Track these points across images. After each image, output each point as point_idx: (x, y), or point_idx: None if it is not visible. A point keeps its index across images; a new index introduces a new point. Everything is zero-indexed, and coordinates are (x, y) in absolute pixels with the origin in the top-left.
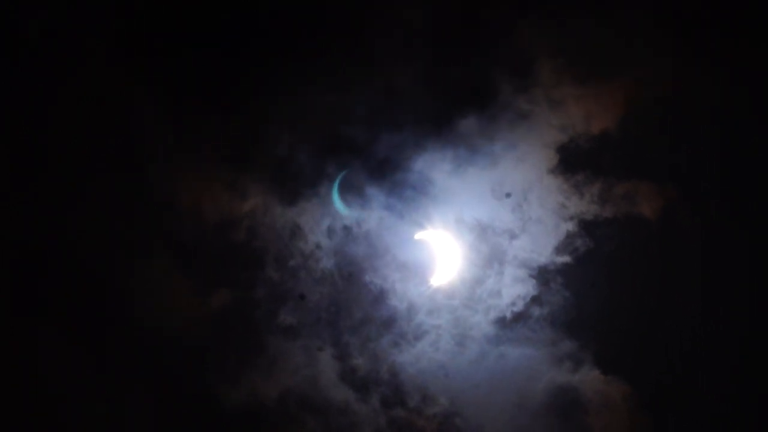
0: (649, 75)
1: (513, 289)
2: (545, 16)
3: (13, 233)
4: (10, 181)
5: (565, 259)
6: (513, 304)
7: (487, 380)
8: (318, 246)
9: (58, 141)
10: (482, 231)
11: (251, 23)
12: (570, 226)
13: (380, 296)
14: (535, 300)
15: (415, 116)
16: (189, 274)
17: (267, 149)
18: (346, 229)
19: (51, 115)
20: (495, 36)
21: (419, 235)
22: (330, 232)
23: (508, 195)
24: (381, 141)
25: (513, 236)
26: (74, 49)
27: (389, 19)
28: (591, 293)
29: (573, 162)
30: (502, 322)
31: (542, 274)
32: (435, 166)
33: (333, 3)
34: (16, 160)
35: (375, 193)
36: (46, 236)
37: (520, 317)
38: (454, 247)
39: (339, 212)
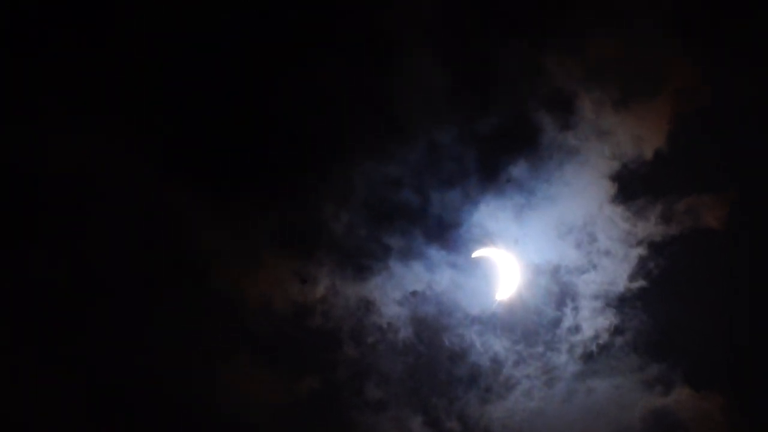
0: (686, 85)
1: (592, 323)
2: (568, 49)
3: (92, 358)
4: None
5: (641, 283)
6: (596, 336)
7: (580, 418)
8: (395, 317)
9: (118, 263)
10: (553, 272)
11: (282, 114)
12: (640, 251)
13: (463, 355)
14: (616, 329)
15: (465, 171)
16: (271, 367)
17: (325, 232)
18: (418, 294)
19: (109, 239)
20: (527, 77)
21: (489, 287)
22: (402, 300)
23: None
24: (436, 201)
25: (584, 271)
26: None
27: (417, 80)
28: (671, 313)
29: (631, 187)
30: (586, 357)
31: (619, 302)
32: (494, 216)
33: (357, 76)
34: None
35: (439, 254)
36: (126, 354)
37: (603, 348)
38: (527, 292)
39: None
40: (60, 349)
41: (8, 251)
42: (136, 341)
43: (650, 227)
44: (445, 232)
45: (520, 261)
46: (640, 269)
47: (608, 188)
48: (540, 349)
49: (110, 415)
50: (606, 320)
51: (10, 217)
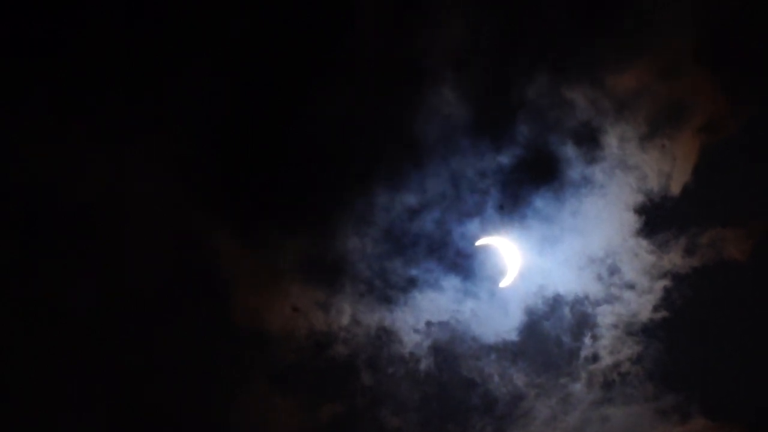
0: (713, 117)
1: (612, 352)
2: (593, 82)
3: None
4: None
5: (662, 314)
6: (615, 366)
7: None
8: (415, 346)
9: (139, 287)
10: (575, 302)
11: (304, 143)
12: (663, 283)
13: (481, 385)
14: (634, 358)
15: (488, 202)
16: (291, 394)
17: (347, 261)
18: (441, 324)
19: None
20: (552, 110)
21: (509, 317)
22: (425, 330)
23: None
24: (458, 232)
25: (607, 302)
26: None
27: (441, 110)
28: (691, 343)
29: (656, 220)
30: (603, 385)
31: (639, 332)
32: (518, 247)
33: (380, 105)
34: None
35: (461, 284)
36: (144, 379)
37: (619, 376)
38: (548, 323)
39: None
40: (77, 372)
41: (30, 272)
42: (154, 365)
43: (674, 259)
44: (466, 263)
45: (544, 291)
46: (663, 301)
47: (634, 221)
48: (556, 377)
49: None
50: (628, 349)
51: (31, 237)
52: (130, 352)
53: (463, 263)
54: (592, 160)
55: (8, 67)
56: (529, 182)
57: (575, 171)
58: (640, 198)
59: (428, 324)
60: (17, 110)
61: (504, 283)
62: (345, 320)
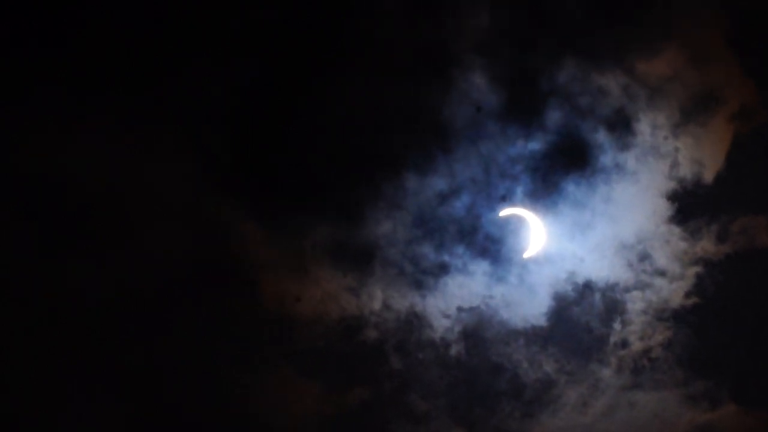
0: (745, 104)
1: (643, 337)
2: (626, 68)
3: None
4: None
5: (693, 300)
6: (646, 351)
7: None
8: (446, 331)
9: (168, 275)
10: (606, 288)
11: (333, 128)
12: (695, 269)
13: (512, 371)
14: (664, 344)
15: (519, 186)
16: (320, 379)
17: (378, 246)
18: (471, 310)
19: (160, 252)
20: (584, 96)
21: (540, 302)
22: (455, 315)
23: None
24: (488, 217)
25: (636, 288)
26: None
27: (471, 95)
28: (722, 329)
29: (688, 207)
30: (631, 371)
31: (670, 318)
32: (548, 232)
33: (410, 91)
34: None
35: (492, 270)
36: (174, 366)
37: (650, 362)
38: (578, 308)
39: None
40: (105, 362)
41: (61, 264)
42: (184, 351)
43: (706, 246)
44: (496, 248)
45: (574, 277)
46: (695, 287)
47: (665, 208)
48: (586, 363)
49: (156, 428)
50: (658, 335)
51: (63, 230)
52: (157, 341)
53: (492, 248)
54: (624, 147)
55: (9, 65)
56: (560, 168)
57: (607, 157)
58: (672, 185)
59: (459, 309)
60: (21, 107)
61: (533, 267)
62: (376, 305)
